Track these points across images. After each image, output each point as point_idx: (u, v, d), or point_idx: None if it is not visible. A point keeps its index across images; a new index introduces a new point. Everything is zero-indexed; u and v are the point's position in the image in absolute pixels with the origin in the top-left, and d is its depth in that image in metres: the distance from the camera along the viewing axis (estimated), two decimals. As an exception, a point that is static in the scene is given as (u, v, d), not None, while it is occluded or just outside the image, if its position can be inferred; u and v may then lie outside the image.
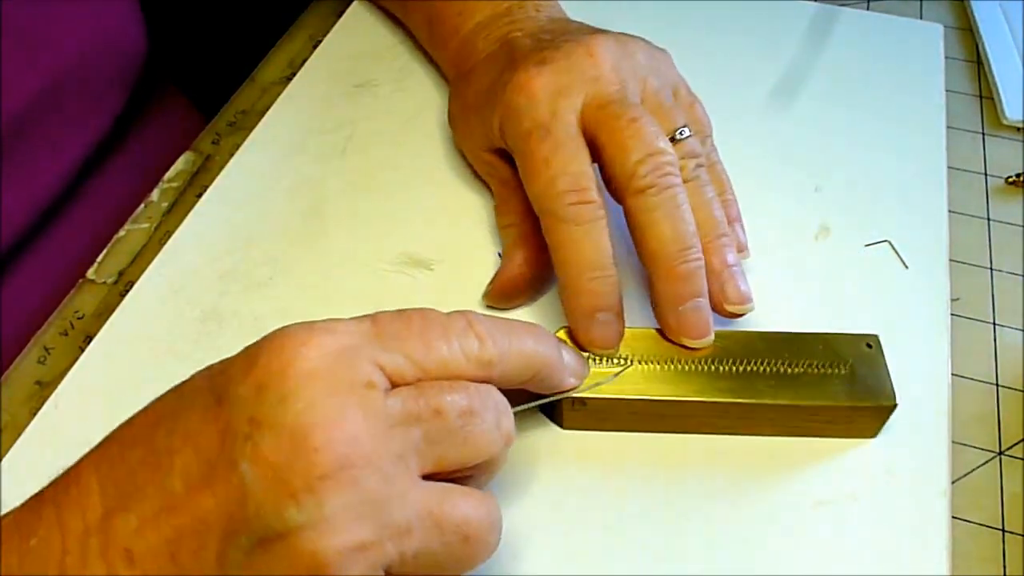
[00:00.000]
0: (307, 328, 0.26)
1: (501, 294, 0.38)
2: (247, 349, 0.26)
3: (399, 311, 0.28)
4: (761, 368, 0.33)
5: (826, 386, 0.33)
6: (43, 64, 0.42)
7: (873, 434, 0.34)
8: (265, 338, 0.26)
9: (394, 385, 0.26)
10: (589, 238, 0.33)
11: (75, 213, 0.47)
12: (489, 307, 0.38)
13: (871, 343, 0.34)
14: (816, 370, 0.33)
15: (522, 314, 0.38)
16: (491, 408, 0.27)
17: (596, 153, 0.35)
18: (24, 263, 0.44)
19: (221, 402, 0.25)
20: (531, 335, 0.30)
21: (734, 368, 0.33)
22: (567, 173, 0.34)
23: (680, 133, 0.36)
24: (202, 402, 0.25)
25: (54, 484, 0.27)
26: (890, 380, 0.33)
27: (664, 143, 0.34)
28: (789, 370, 0.33)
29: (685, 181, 0.35)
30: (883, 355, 0.34)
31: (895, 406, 0.33)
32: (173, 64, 0.54)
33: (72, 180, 0.46)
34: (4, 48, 0.40)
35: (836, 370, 0.33)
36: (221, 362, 0.27)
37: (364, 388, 0.25)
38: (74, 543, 0.25)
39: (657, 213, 0.33)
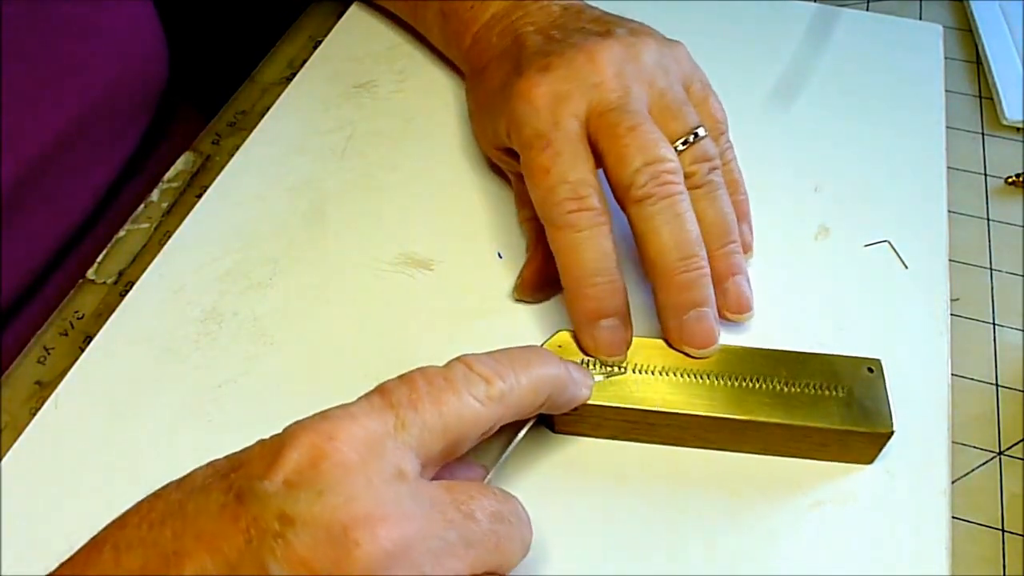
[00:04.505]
0: (326, 419, 0.25)
1: (530, 285, 0.38)
2: (262, 444, 0.25)
3: (401, 377, 0.27)
4: (757, 385, 0.33)
5: (822, 408, 0.32)
6: (73, 96, 0.43)
7: (869, 460, 0.33)
8: (285, 433, 0.25)
9: (421, 460, 0.25)
10: (589, 244, 0.33)
11: (99, 231, 0.47)
12: (519, 300, 0.38)
13: (872, 367, 0.34)
14: (813, 391, 0.33)
15: (530, 313, 0.38)
16: (517, 514, 0.27)
17: (600, 161, 0.35)
18: (50, 282, 0.45)
19: (242, 500, 0.23)
20: (535, 358, 0.29)
21: (730, 383, 0.33)
22: (566, 181, 0.33)
23: (694, 135, 0.35)
24: (217, 499, 0.23)
25: None
26: (889, 406, 0.33)
27: (665, 150, 0.34)
28: (786, 389, 0.33)
29: (696, 187, 0.35)
30: (884, 380, 0.33)
31: (892, 433, 0.32)
32: (188, 79, 0.55)
33: (98, 203, 0.47)
34: (37, 82, 0.40)
35: (834, 392, 0.33)
36: (228, 457, 0.25)
37: (397, 479, 0.24)
38: None
39: (656, 222, 0.33)
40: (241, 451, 0.25)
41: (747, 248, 0.39)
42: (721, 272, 0.35)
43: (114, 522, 0.24)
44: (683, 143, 0.35)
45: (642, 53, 0.37)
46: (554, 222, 0.34)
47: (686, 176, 0.34)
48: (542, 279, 0.37)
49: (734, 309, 0.36)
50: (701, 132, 0.36)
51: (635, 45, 0.37)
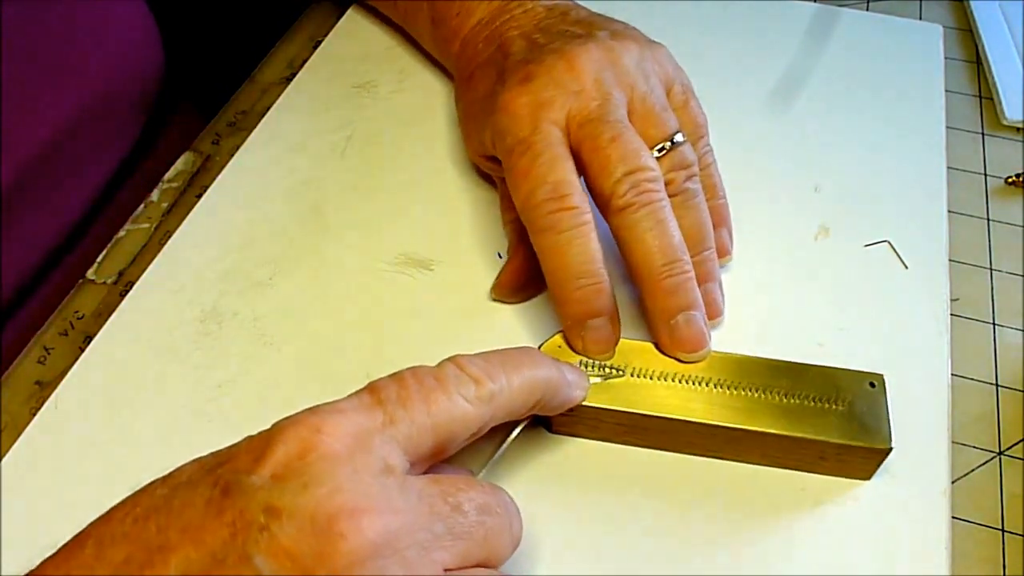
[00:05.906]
0: (314, 413, 0.25)
1: (507, 287, 0.38)
2: (249, 439, 0.25)
3: (391, 376, 0.27)
4: (756, 394, 0.33)
5: (820, 420, 0.32)
6: (69, 96, 0.43)
7: (867, 476, 0.33)
8: (272, 428, 0.25)
9: (410, 457, 0.26)
10: (572, 245, 0.33)
11: (98, 231, 0.47)
12: (496, 300, 0.38)
13: (874, 382, 0.33)
14: (813, 403, 0.33)
15: (530, 314, 0.38)
16: (506, 506, 0.27)
17: (582, 171, 0.35)
18: (49, 282, 0.45)
19: (228, 493, 0.23)
20: (527, 360, 0.29)
21: (729, 392, 0.33)
22: (546, 183, 0.33)
23: (673, 140, 0.35)
24: (203, 494, 0.23)
25: None
26: (889, 422, 0.32)
27: (645, 159, 0.34)
28: (785, 400, 0.33)
29: (674, 195, 0.35)
30: (885, 396, 0.33)
31: (890, 450, 0.32)
32: (186, 78, 0.55)
33: (96, 203, 0.47)
34: (33, 82, 0.40)
35: (834, 406, 0.33)
36: (215, 453, 0.25)
37: (383, 473, 0.24)
38: None
39: (638, 229, 0.33)
40: (228, 447, 0.25)
41: (725, 253, 0.39)
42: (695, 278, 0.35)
43: (99, 518, 0.24)
44: (660, 149, 0.35)
45: (622, 56, 0.37)
46: (536, 224, 0.34)
47: (664, 183, 0.35)
48: (520, 281, 0.38)
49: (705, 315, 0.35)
50: (679, 138, 0.36)
51: (615, 49, 0.37)
